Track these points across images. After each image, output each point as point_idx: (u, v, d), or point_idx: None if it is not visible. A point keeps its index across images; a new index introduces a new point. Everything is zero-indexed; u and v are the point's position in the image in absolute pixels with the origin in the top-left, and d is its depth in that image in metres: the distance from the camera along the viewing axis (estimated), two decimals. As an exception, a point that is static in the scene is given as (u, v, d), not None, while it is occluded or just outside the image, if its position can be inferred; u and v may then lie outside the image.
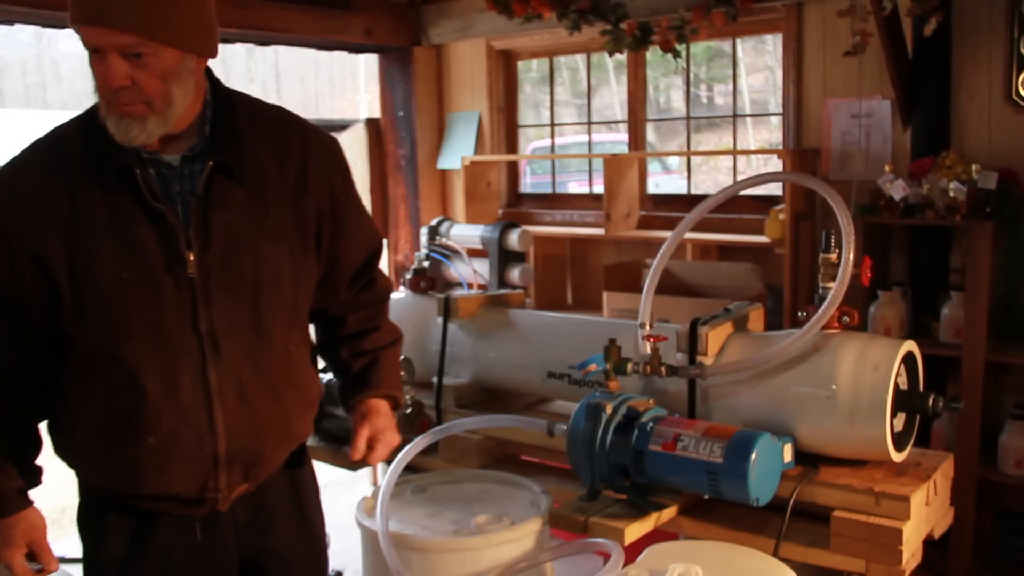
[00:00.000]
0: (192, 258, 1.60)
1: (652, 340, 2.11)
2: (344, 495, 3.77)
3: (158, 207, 1.59)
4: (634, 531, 1.89)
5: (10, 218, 1.57)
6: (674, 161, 9.19)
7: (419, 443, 2.14)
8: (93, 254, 1.56)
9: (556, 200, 5.08)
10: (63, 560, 3.93)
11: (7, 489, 1.67)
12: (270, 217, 1.68)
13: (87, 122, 1.62)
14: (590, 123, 5.10)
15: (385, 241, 2.31)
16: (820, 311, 1.93)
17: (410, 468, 2.38)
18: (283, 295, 1.70)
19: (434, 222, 4.39)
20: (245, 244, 1.65)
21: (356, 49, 5.33)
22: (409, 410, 2.49)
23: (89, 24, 1.47)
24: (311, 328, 1.92)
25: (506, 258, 4.54)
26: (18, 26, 4.18)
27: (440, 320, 2.61)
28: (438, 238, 4.19)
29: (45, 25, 4.17)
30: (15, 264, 1.58)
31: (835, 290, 1.92)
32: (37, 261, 1.57)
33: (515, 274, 4.53)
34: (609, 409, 1.93)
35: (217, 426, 1.65)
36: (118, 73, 1.49)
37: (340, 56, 5.54)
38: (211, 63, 1.67)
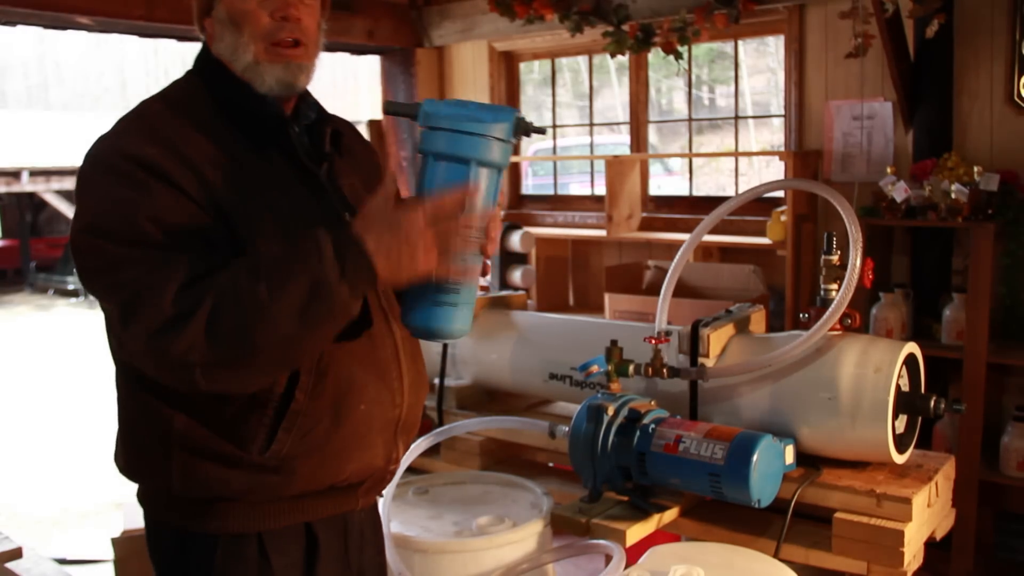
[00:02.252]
0: (348, 219, 1.48)
1: (654, 341, 2.11)
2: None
3: (311, 168, 1.56)
4: (636, 532, 1.89)
5: (180, 171, 1.41)
6: (676, 163, 9.21)
7: (421, 444, 2.14)
8: (270, 213, 1.48)
9: (558, 201, 5.08)
10: (63, 561, 3.94)
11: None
12: (369, 189, 1.64)
13: (204, 84, 1.55)
14: (592, 124, 5.10)
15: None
16: (824, 317, 1.92)
17: (412, 470, 2.38)
18: None
19: (436, 223, 4.38)
20: None
21: (358, 51, 5.33)
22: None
23: None
24: None
25: (508, 259, 4.54)
26: (20, 27, 4.19)
27: (442, 321, 2.61)
28: (440, 239, 4.19)
29: (47, 26, 4.18)
30: (203, 217, 1.42)
31: (840, 296, 1.92)
32: (218, 218, 1.43)
33: (517, 275, 4.53)
34: (611, 411, 1.94)
35: (404, 383, 1.60)
36: (295, 2, 1.52)
37: (342, 57, 5.55)
38: None
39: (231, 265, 1.35)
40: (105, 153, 1.44)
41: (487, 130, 1.36)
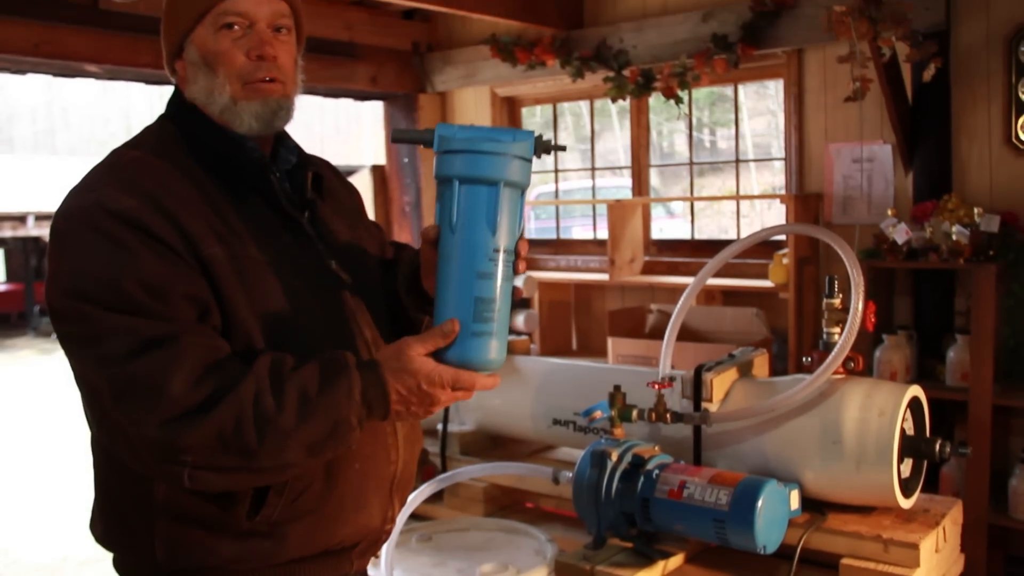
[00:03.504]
0: (335, 267, 1.52)
1: (657, 386, 2.11)
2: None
3: (294, 215, 1.51)
4: (641, 580, 1.87)
5: (161, 223, 1.34)
6: (677, 206, 9.24)
7: (424, 491, 2.12)
8: (258, 263, 1.42)
9: (560, 245, 5.10)
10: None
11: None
12: (354, 232, 1.65)
13: (178, 129, 1.51)
14: (594, 168, 5.14)
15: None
16: (826, 362, 1.92)
17: (415, 516, 2.36)
18: (383, 303, 1.64)
19: (439, 267, 4.40)
20: (358, 255, 1.61)
21: (362, 96, 5.39)
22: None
23: None
24: None
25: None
26: (30, 75, 4.25)
27: (445, 366, 2.61)
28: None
29: (56, 74, 4.24)
30: (188, 274, 1.36)
31: (843, 340, 1.92)
32: (203, 271, 1.37)
33: (520, 320, 4.53)
34: (614, 456, 1.93)
35: (398, 438, 1.53)
36: (270, 39, 1.46)
37: (345, 103, 5.61)
38: None
39: (253, 369, 1.30)
40: (80, 209, 1.36)
41: (509, 149, 1.32)
